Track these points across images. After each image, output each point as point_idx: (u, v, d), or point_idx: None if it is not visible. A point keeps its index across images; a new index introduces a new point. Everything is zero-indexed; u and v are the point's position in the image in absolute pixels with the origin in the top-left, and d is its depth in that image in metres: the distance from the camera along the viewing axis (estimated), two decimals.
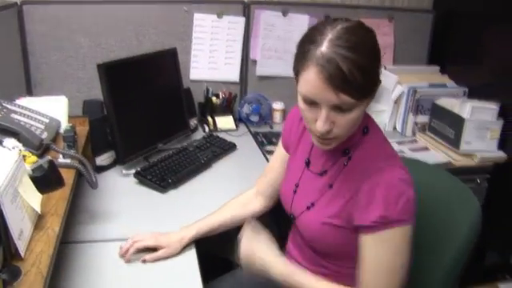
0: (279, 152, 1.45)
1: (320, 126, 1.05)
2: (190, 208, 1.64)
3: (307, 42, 1.03)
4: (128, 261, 1.36)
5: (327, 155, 1.22)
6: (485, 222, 2.33)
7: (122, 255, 1.37)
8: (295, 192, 1.29)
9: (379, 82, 1.07)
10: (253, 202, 1.52)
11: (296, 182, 1.29)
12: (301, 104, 1.09)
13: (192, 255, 1.41)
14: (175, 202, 1.70)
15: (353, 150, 1.16)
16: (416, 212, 1.10)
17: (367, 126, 1.17)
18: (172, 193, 1.75)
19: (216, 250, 2.15)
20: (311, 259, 1.30)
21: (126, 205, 1.65)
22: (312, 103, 1.04)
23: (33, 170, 1.29)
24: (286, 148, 1.41)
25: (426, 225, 1.34)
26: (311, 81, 1.01)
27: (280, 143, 1.45)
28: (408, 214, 1.08)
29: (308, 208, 1.23)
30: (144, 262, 1.36)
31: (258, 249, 1.24)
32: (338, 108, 1.02)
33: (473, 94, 2.42)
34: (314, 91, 1.01)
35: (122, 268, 1.35)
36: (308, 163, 1.28)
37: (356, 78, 0.97)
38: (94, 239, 1.47)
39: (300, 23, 2.44)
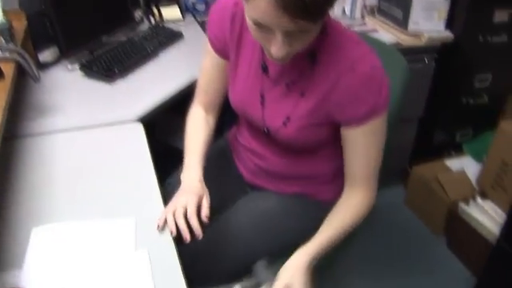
0: (212, 58, 1.30)
1: (276, 52, 0.96)
2: (139, 96, 1.63)
3: None
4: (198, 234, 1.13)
5: (291, 63, 1.12)
6: (432, 102, 2.44)
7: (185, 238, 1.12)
8: (263, 104, 1.22)
9: None
10: (208, 119, 1.38)
11: (260, 92, 1.21)
12: (250, 25, 0.97)
13: (145, 148, 1.40)
14: (124, 91, 1.68)
15: (317, 51, 1.09)
16: None
17: (324, 25, 1.07)
18: (120, 83, 1.72)
19: (169, 141, 2.18)
20: (283, 154, 1.30)
21: (74, 97, 1.63)
22: (264, 27, 0.93)
23: None
24: (220, 52, 1.27)
25: None
26: (263, 8, 0.88)
27: (209, 49, 1.28)
28: (388, 99, 1.10)
29: (284, 124, 1.18)
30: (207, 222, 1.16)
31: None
32: (297, 30, 0.91)
33: None
34: (267, 18, 0.89)
35: (75, 159, 1.36)
36: (265, 68, 1.18)
37: (318, 2, 0.86)
38: (43, 132, 1.45)
39: None
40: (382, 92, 1.07)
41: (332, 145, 1.25)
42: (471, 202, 2.25)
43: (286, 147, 1.26)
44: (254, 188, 1.42)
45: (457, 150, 2.63)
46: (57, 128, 1.47)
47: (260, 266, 1.13)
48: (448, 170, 2.46)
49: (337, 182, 1.37)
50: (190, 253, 1.25)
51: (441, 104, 2.48)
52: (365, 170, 1.19)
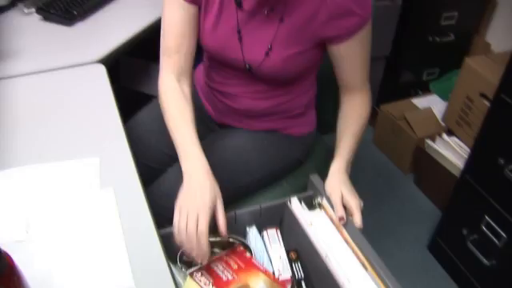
0: (182, 12, 1.17)
1: None
2: (100, 37, 1.58)
3: None
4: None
5: None
6: (399, 41, 2.44)
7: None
8: (241, 39, 1.17)
9: None
10: (183, 89, 1.22)
11: (236, 28, 1.16)
12: None
13: (107, 90, 1.36)
14: (84, 33, 1.62)
15: None
16: None
17: None
18: (80, 25, 1.66)
19: (138, 86, 2.15)
20: (258, 92, 1.28)
21: (32, 41, 1.57)
22: None
23: None
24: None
25: None
26: None
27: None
28: (371, 5, 1.12)
29: (267, 54, 1.15)
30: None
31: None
32: None
33: None
34: None
35: (36, 102, 1.32)
36: (239, 2, 1.13)
37: None
38: (1, 76, 1.40)
39: None
40: (366, 3, 1.10)
41: (309, 75, 1.29)
42: (437, 139, 2.29)
43: (267, 83, 1.25)
44: (223, 127, 1.42)
45: (424, 89, 2.66)
46: (15, 72, 1.41)
47: (315, 179, 1.21)
48: (415, 108, 2.49)
49: (309, 113, 1.39)
50: (156, 192, 1.26)
51: (407, 43, 2.49)
52: (362, 75, 1.24)
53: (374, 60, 2.35)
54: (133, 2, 1.84)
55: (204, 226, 0.98)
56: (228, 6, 1.16)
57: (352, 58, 1.19)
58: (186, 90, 1.23)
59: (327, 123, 1.52)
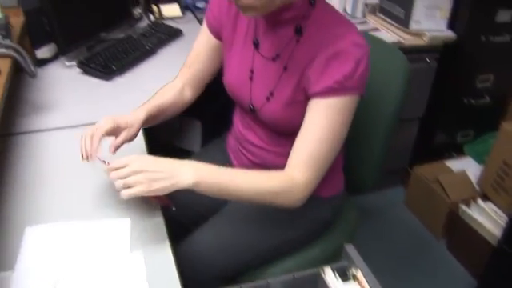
0: (205, 39, 1.33)
1: None
2: (138, 94, 1.58)
3: None
4: (93, 159, 1.10)
5: (277, 34, 1.15)
6: (433, 102, 2.42)
7: (86, 156, 1.10)
8: (251, 79, 1.22)
9: None
10: (184, 91, 1.37)
11: (250, 68, 1.22)
12: None
13: (141, 144, 1.38)
14: (121, 88, 1.66)
15: (303, 24, 1.11)
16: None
17: None
18: (118, 80, 1.71)
19: (177, 142, 2.16)
20: (271, 141, 1.28)
21: (71, 95, 1.61)
22: None
23: None
24: (216, 33, 1.30)
25: None
26: None
27: (205, 28, 1.33)
28: (362, 83, 1.07)
29: (267, 99, 1.18)
30: (114, 152, 1.15)
31: (148, 162, 1.04)
32: None
33: None
34: None
35: (70, 157, 1.31)
36: (257, 44, 1.20)
37: None
38: (39, 129, 1.43)
39: None
40: (357, 70, 1.05)
41: None
42: (472, 204, 2.23)
43: (272, 129, 1.24)
44: None
45: (458, 150, 2.61)
46: (53, 125, 1.45)
47: (350, 249, 1.09)
48: (449, 170, 2.44)
49: (335, 174, 1.36)
50: (187, 251, 1.25)
51: (442, 104, 2.46)
52: (311, 148, 1.09)
53: (407, 121, 2.35)
54: (171, 58, 1.89)
55: (99, 131, 1.11)
56: (249, 47, 1.21)
57: (312, 121, 1.09)
58: (187, 93, 1.37)
59: (355, 184, 1.50)
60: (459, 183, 2.34)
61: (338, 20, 1.11)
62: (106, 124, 1.14)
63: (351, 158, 1.43)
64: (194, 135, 2.06)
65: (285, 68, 1.15)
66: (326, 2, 1.14)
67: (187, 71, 1.37)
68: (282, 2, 1.05)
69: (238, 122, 1.38)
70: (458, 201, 2.27)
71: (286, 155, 1.14)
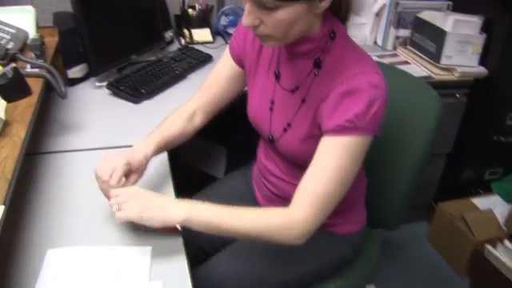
0: (227, 65, 1.34)
1: (243, 19, 1.02)
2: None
3: None
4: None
5: (297, 66, 1.15)
6: (462, 137, 2.38)
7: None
8: (272, 110, 1.23)
9: None
10: (194, 117, 1.37)
11: (271, 99, 1.23)
12: None
13: (166, 171, 1.38)
14: (149, 112, 1.67)
15: (322, 58, 1.11)
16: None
17: (334, 30, 1.10)
18: (146, 103, 1.72)
19: (201, 167, 2.16)
20: (290, 173, 1.27)
21: (99, 116, 1.63)
22: None
23: None
24: (238, 60, 1.31)
25: (388, 126, 1.33)
26: None
27: (227, 54, 1.34)
28: (375, 124, 1.05)
29: (285, 130, 1.19)
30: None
31: (145, 192, 1.10)
32: (263, 5, 0.97)
33: (457, 7, 2.35)
34: None
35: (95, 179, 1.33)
36: (278, 76, 1.20)
37: None
38: (66, 149, 1.45)
39: None
40: (370, 111, 1.02)
41: None
42: (499, 245, 2.17)
43: (291, 161, 1.24)
44: None
45: (485, 188, 2.56)
46: (79, 146, 1.46)
47: None
48: (475, 208, 2.38)
49: (356, 209, 1.35)
50: (206, 275, 1.24)
51: (471, 140, 2.42)
52: (317, 187, 1.06)
53: (434, 156, 2.31)
54: (200, 83, 1.88)
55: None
56: (271, 78, 1.22)
57: (321, 157, 1.07)
58: (197, 120, 1.37)
59: (380, 221, 1.48)
60: (485, 222, 2.29)
61: (358, 56, 1.10)
62: (120, 169, 1.14)
63: (376, 194, 1.41)
64: (219, 161, 2.06)
65: (303, 100, 1.15)
66: (346, 36, 1.13)
67: (204, 94, 1.38)
68: (300, 32, 1.05)
69: (261, 153, 1.38)
70: (484, 240, 2.21)
71: None
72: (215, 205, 1.07)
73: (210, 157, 2.12)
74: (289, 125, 1.18)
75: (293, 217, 1.06)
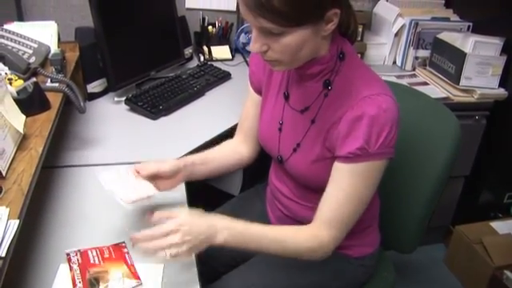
0: (250, 96, 1.37)
1: (251, 45, 1.04)
2: (182, 135, 1.63)
3: None
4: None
5: (307, 88, 1.16)
6: (480, 160, 2.35)
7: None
8: (281, 130, 1.24)
9: (317, 11, 0.98)
10: (238, 147, 1.42)
11: (280, 119, 1.23)
12: None
13: (182, 187, 1.36)
14: (166, 128, 1.68)
15: (332, 79, 1.11)
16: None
17: (342, 50, 1.10)
18: (163, 120, 1.73)
19: (217, 184, 2.16)
20: (300, 194, 1.27)
21: (117, 131, 1.64)
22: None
23: (17, 93, 1.28)
24: (257, 89, 1.33)
25: (405, 149, 1.33)
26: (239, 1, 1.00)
27: (250, 88, 1.36)
28: (388, 148, 1.05)
29: (294, 150, 1.19)
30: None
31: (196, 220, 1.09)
32: (269, 31, 0.98)
33: (477, 28, 2.34)
34: (242, 13, 1.00)
35: (110, 195, 1.33)
36: (287, 97, 1.21)
37: (273, 4, 0.92)
38: (84, 163, 1.46)
39: None
40: (381, 136, 1.02)
41: None
42: None
43: (300, 182, 1.24)
44: None
45: (504, 212, 2.51)
46: (96, 161, 1.47)
47: None
48: (493, 232, 2.34)
49: (369, 232, 1.33)
50: None
51: (490, 163, 2.39)
52: (334, 209, 1.10)
53: (452, 178, 2.27)
54: (218, 100, 1.90)
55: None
56: (281, 99, 1.24)
57: (337, 184, 1.10)
58: (244, 149, 1.41)
59: (394, 245, 1.46)
60: (504, 247, 2.24)
61: (367, 77, 1.09)
62: (150, 168, 1.20)
63: (391, 217, 1.39)
64: (234, 178, 2.05)
65: (312, 121, 1.15)
66: (355, 56, 1.13)
67: (240, 130, 1.43)
68: (309, 55, 1.05)
69: (273, 174, 1.38)
70: (502, 266, 2.16)
71: (315, 209, 1.14)
72: (252, 227, 1.10)
73: (225, 174, 2.11)
74: (298, 145, 1.18)
75: (319, 239, 1.11)
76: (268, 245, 1.11)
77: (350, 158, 1.05)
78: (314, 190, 1.19)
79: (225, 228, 1.07)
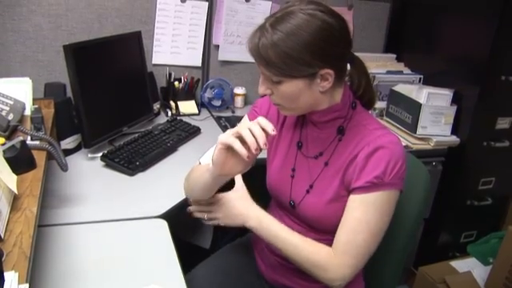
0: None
1: (259, 87, 1.17)
2: (160, 190, 1.65)
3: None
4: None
5: (321, 135, 1.24)
6: (438, 203, 2.47)
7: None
8: (293, 176, 1.30)
9: (307, 69, 1.08)
10: None
11: (292, 167, 1.30)
12: None
13: (169, 244, 1.38)
14: (144, 184, 1.69)
15: (345, 125, 1.21)
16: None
17: (354, 100, 1.22)
18: (140, 176, 1.74)
19: (189, 238, 2.15)
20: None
21: (95, 188, 1.64)
22: None
23: (4, 151, 1.27)
24: None
25: None
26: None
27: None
28: (401, 179, 1.15)
29: (307, 191, 1.25)
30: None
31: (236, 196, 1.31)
32: (270, 79, 1.12)
33: (427, 80, 2.53)
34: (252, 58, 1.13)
35: (99, 251, 1.33)
36: (300, 146, 1.29)
37: (270, 56, 1.06)
38: (65, 222, 1.44)
39: (263, 9, 2.46)
40: (394, 168, 1.13)
41: None
42: None
43: (312, 225, 1.27)
44: (273, 286, 1.41)
45: (461, 251, 2.63)
46: (79, 219, 1.46)
47: None
48: (454, 271, 2.43)
49: (349, 285, 1.37)
50: None
51: (446, 205, 2.52)
52: (348, 237, 1.16)
53: None
54: (190, 155, 1.92)
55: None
56: (294, 148, 1.31)
57: (352, 214, 1.16)
58: None
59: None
60: (466, 284, 2.33)
61: (376, 122, 1.22)
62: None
63: (374, 264, 1.44)
64: (205, 231, 2.07)
65: (326, 164, 1.23)
66: (365, 111, 1.25)
67: None
68: (309, 105, 1.17)
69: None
70: None
71: None
72: (277, 226, 1.24)
73: (195, 227, 2.12)
74: (311, 186, 1.25)
75: (331, 258, 1.17)
76: (285, 245, 1.21)
77: (366, 188, 1.13)
78: (324, 232, 1.25)
79: (257, 216, 1.25)
